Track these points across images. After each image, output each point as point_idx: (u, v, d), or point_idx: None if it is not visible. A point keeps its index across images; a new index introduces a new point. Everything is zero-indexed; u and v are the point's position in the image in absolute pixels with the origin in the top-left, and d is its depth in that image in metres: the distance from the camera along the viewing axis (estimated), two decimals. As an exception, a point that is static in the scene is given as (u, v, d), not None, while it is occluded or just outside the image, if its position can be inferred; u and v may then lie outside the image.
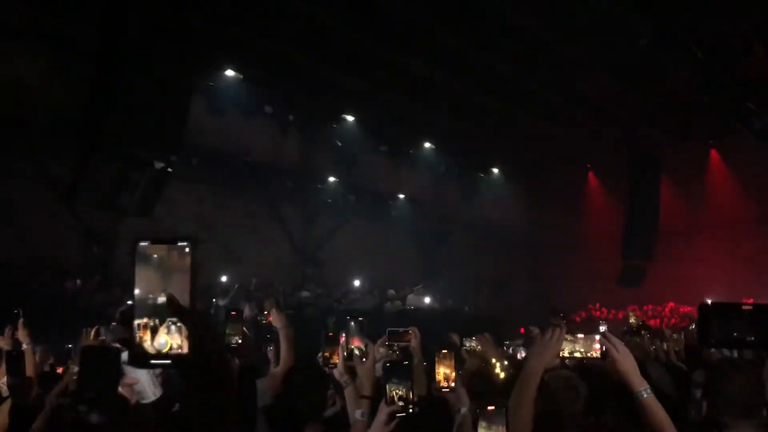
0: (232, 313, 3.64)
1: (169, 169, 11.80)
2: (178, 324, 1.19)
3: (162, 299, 1.19)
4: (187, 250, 1.22)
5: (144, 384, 1.35)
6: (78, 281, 11.17)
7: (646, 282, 15.67)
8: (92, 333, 4.84)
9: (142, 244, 1.22)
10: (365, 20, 11.09)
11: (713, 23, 10.72)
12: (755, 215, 17.43)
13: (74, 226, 11.98)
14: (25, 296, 9.19)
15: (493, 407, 2.36)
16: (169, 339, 1.18)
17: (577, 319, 17.12)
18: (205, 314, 1.41)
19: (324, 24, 11.28)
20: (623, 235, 15.64)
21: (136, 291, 1.20)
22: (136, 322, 1.19)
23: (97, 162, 10.99)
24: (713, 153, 18.19)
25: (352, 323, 3.08)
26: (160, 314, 1.19)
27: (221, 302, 12.08)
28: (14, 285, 9.82)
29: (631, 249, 15.48)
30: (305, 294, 14.29)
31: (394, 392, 2.52)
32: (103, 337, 4.87)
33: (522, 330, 11.03)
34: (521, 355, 6.04)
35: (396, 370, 2.59)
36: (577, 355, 2.76)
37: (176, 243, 1.22)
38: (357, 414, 2.80)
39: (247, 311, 11.82)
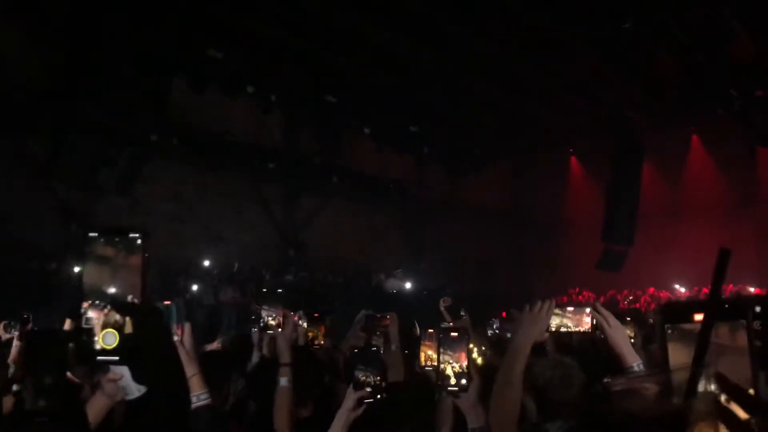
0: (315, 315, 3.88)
1: (149, 147, 11.69)
2: (127, 319, 1.15)
3: (112, 290, 1.16)
4: (138, 242, 1.18)
5: (128, 379, 1.32)
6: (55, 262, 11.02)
7: (626, 266, 15.80)
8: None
9: (92, 234, 1.18)
10: (349, -1, 10.96)
11: (697, 7, 10.72)
12: (736, 200, 17.63)
13: (52, 205, 11.80)
14: (1, 277, 9.09)
15: (456, 333, 2.35)
16: (117, 334, 1.15)
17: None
18: (154, 308, 1.38)
19: (308, 3, 11.12)
20: (604, 220, 15.72)
21: (86, 283, 1.17)
22: (85, 315, 1.16)
23: (75, 139, 10.84)
24: (695, 138, 18.32)
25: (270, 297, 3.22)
26: (109, 307, 1.16)
27: (190, 286, 11.98)
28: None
29: (612, 233, 15.57)
30: (288, 278, 14.24)
31: (362, 378, 2.51)
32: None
33: (504, 314, 11.08)
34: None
35: (363, 356, 2.58)
36: (566, 330, 2.72)
37: (128, 234, 1.19)
38: (282, 381, 2.88)
39: (229, 294, 11.81)
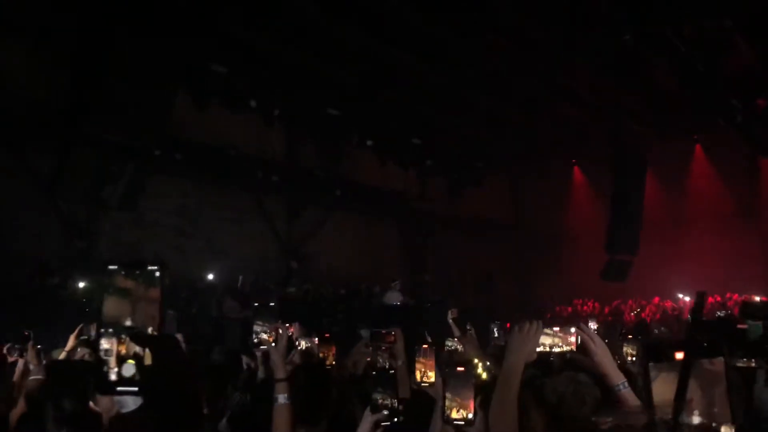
0: (326, 335, 3.76)
1: (152, 163, 11.71)
2: (146, 350, 1.16)
3: (129, 322, 1.17)
4: (157, 274, 1.20)
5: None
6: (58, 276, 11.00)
7: (631, 276, 15.76)
8: (75, 331, 4.76)
9: (111, 267, 1.20)
10: (352, 13, 11.02)
11: (696, 18, 10.76)
12: (739, 209, 17.61)
13: (56, 220, 11.82)
14: (5, 291, 9.09)
15: (462, 369, 2.34)
16: (136, 365, 1.16)
17: (564, 314, 17.24)
18: (171, 339, 1.43)
19: (310, 17, 11.19)
20: (607, 230, 15.70)
21: (104, 314, 1.18)
22: (103, 346, 1.17)
23: (79, 154, 10.87)
24: (697, 148, 18.34)
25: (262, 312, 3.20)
26: (128, 338, 1.17)
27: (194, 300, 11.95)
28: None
29: (616, 244, 15.54)
30: (291, 290, 14.21)
31: (379, 401, 2.50)
32: (85, 336, 4.78)
33: (509, 325, 11.04)
34: None
35: (381, 378, 2.57)
36: (556, 349, 2.72)
37: (146, 267, 1.20)
38: (280, 398, 2.83)
39: (232, 307, 11.76)
